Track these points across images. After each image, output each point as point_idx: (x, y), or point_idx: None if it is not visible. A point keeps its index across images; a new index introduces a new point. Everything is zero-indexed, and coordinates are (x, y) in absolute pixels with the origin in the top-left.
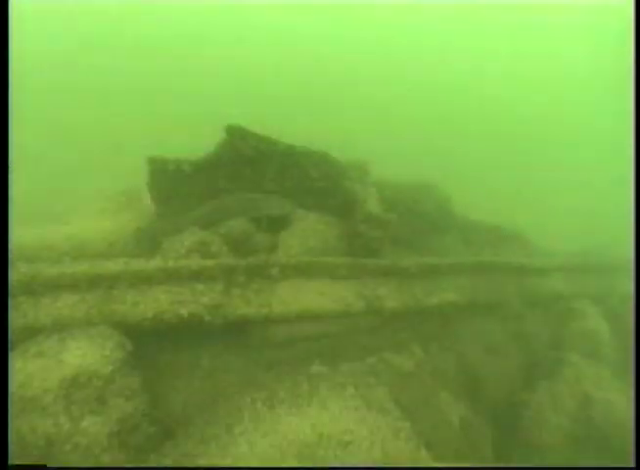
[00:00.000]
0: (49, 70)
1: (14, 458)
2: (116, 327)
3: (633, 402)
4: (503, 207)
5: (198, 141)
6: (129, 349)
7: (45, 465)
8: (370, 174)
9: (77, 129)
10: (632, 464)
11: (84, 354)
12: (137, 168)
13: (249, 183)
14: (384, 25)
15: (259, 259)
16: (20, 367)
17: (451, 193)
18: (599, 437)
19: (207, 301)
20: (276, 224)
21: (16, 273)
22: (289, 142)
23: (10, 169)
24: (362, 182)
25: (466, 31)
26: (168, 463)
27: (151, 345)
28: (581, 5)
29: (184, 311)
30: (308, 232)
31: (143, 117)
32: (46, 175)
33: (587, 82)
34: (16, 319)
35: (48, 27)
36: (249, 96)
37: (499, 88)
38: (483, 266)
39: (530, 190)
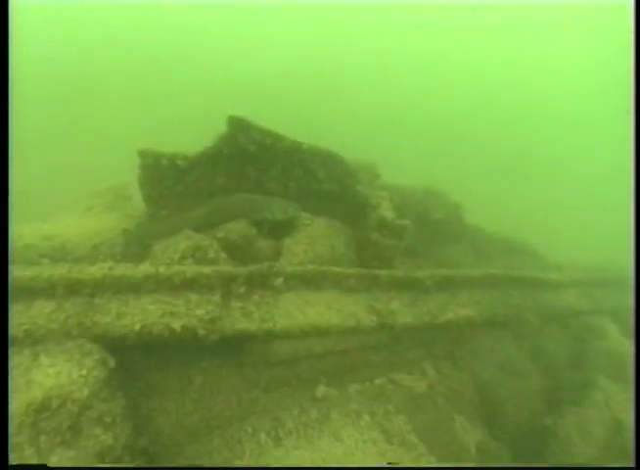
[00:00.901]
0: (45, 69)
1: None
2: (98, 341)
3: (633, 403)
4: (508, 216)
5: (195, 135)
6: (111, 366)
7: (45, 465)
8: (380, 178)
9: (68, 126)
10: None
11: (58, 373)
12: (128, 164)
13: (250, 182)
14: (390, 27)
15: (262, 268)
16: None
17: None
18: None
19: (203, 313)
20: (279, 229)
21: None
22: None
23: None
24: (372, 186)
25: (468, 32)
26: None
27: (137, 362)
28: (581, 5)
29: (176, 325)
30: (315, 239)
31: (140, 115)
32: (29, 172)
33: (588, 83)
34: None
35: (47, 26)
36: (252, 95)
37: (501, 91)
38: (499, 280)
39: (535, 199)
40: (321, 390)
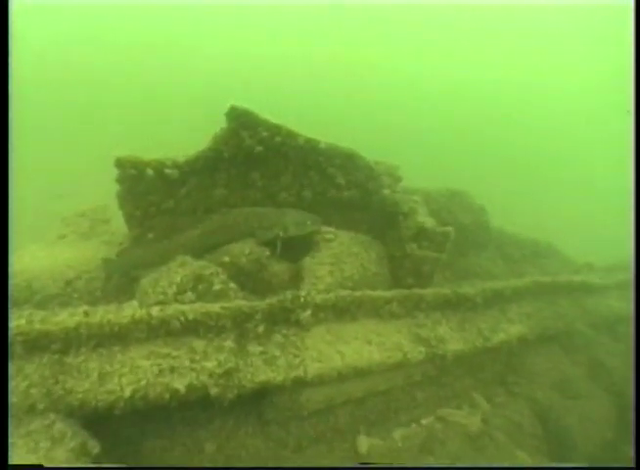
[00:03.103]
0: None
1: None
2: (74, 416)
3: (633, 402)
4: (520, 217)
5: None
6: (95, 452)
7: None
8: (402, 181)
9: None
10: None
11: None
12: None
13: (256, 192)
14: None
15: (284, 300)
16: None
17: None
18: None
19: (214, 365)
20: (296, 248)
21: None
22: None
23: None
24: (394, 190)
25: (469, 31)
26: None
27: (129, 434)
28: (581, 5)
29: (179, 385)
30: (340, 257)
31: (136, 119)
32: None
33: (587, 82)
34: None
35: (48, 26)
36: (253, 96)
37: (495, 89)
38: (546, 288)
39: (540, 199)
40: (363, 442)
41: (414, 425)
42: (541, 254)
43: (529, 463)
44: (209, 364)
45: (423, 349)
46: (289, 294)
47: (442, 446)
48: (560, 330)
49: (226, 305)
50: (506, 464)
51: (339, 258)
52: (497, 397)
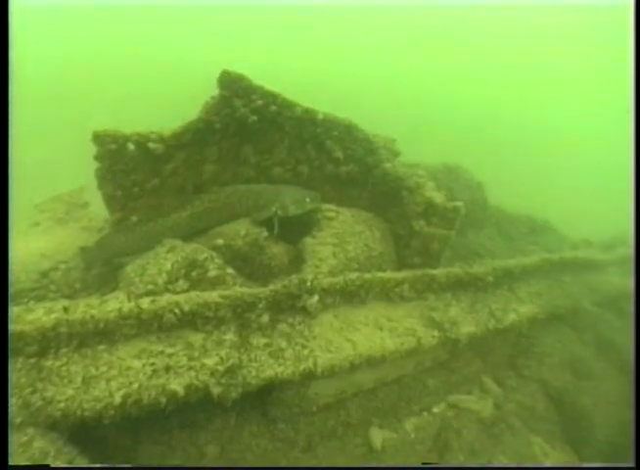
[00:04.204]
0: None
1: None
2: (56, 429)
3: (633, 402)
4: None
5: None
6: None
7: (48, 465)
8: (400, 155)
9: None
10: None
11: None
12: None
13: (249, 168)
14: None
15: (290, 285)
16: None
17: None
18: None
19: (215, 362)
20: (295, 228)
21: None
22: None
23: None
24: (401, 165)
25: (469, 30)
26: None
27: (121, 442)
28: (581, 5)
29: (177, 386)
30: (344, 236)
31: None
32: None
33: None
34: None
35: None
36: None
37: (498, 88)
38: (554, 265)
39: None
40: (377, 435)
41: (425, 414)
42: (537, 231)
43: (546, 450)
44: (210, 361)
45: (436, 333)
46: (294, 278)
47: (458, 435)
48: (569, 309)
49: (225, 293)
50: (520, 449)
51: (342, 238)
52: (508, 380)
